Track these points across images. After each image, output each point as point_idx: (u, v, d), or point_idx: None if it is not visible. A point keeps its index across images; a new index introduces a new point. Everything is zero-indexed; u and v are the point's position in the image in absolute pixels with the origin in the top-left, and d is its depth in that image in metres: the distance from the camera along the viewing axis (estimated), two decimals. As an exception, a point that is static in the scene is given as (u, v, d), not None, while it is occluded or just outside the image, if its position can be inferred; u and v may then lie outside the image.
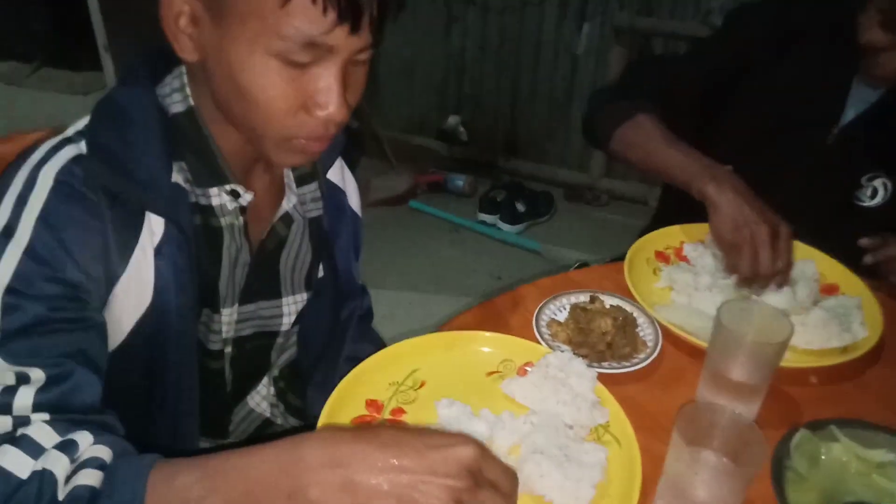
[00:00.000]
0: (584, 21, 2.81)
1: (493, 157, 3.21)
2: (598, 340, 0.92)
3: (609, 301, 0.99)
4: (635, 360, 0.90)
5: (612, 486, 0.74)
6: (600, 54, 2.84)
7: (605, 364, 0.88)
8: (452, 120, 3.25)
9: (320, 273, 0.95)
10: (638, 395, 0.87)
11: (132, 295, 0.72)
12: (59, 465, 0.57)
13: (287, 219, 0.87)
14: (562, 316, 0.98)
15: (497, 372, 0.90)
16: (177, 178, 0.73)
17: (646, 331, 0.96)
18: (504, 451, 0.76)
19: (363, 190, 1.00)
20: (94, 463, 0.58)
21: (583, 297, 1.01)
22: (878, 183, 1.18)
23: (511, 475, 0.60)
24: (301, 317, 0.95)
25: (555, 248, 2.71)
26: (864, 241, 1.11)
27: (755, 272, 0.97)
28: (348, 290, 1.04)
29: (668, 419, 0.81)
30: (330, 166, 0.92)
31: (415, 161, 3.17)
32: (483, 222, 2.87)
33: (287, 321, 0.93)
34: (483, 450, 0.58)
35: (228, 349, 0.88)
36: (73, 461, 0.58)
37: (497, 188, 2.95)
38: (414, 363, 0.88)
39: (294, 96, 0.67)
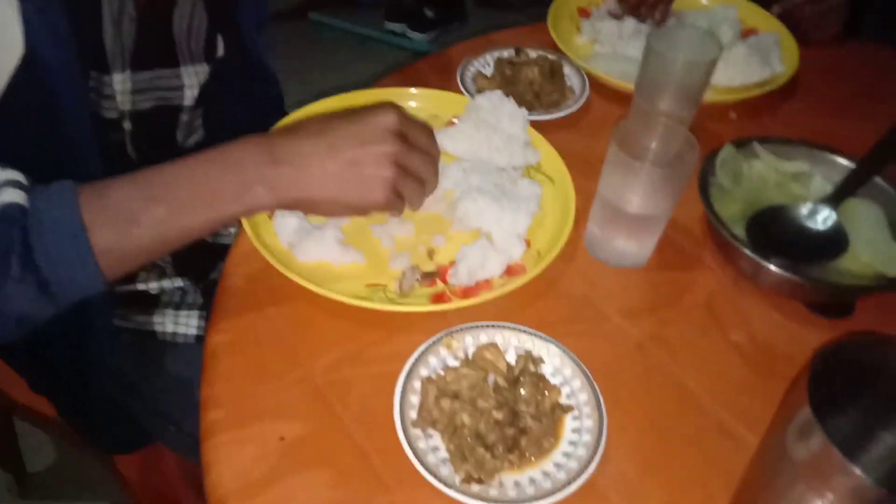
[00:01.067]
0: None
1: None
2: (526, 90, 0.89)
3: (533, 54, 0.95)
4: (564, 107, 0.89)
5: (547, 219, 0.75)
6: None
7: (533, 112, 0.86)
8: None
9: (220, 49, 0.86)
10: (568, 142, 0.85)
11: None
12: None
13: None
14: (488, 71, 0.94)
15: (424, 128, 0.86)
16: None
17: (572, 80, 0.93)
18: (440, 195, 0.75)
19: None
20: (15, 184, 0.53)
21: (507, 52, 0.96)
22: None
23: (431, 134, 0.68)
24: (205, 95, 0.86)
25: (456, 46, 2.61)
26: None
27: None
28: (256, 69, 0.95)
29: (598, 160, 0.81)
30: None
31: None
32: (391, 32, 2.71)
33: (189, 94, 0.85)
34: (402, 112, 0.63)
35: (128, 125, 0.80)
36: None
37: (402, -2, 2.76)
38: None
39: None
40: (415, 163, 0.64)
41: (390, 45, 2.69)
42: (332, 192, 0.61)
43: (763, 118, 0.94)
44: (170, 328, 0.90)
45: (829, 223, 0.72)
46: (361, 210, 0.65)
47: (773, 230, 0.72)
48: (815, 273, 0.69)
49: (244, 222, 0.69)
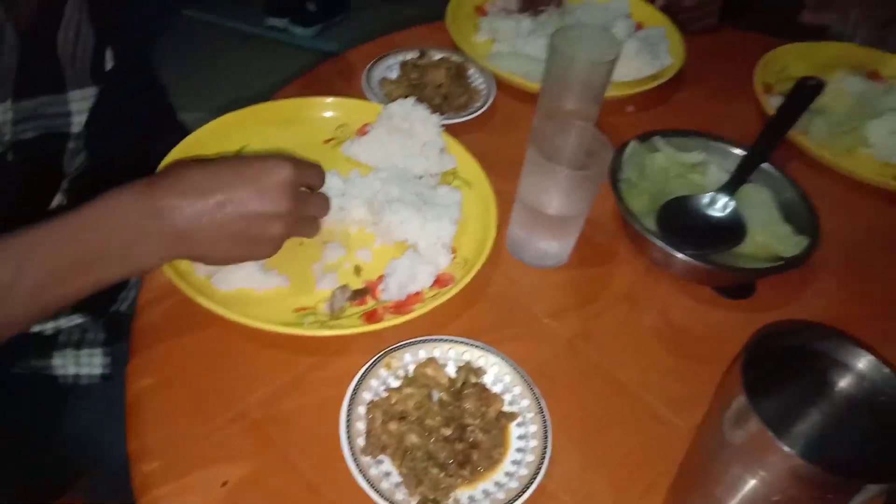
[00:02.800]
0: None
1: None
2: (434, 93, 0.89)
3: (437, 55, 0.95)
4: (472, 109, 0.89)
5: (469, 224, 0.75)
6: None
7: (443, 116, 0.86)
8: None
9: (109, 63, 0.79)
10: (479, 143, 0.86)
11: None
12: None
13: None
14: (393, 74, 0.93)
15: (333, 139, 0.84)
16: None
17: (477, 81, 0.94)
18: (359, 208, 0.73)
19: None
20: None
21: (410, 55, 0.95)
22: None
23: (322, 175, 0.67)
24: (93, 119, 0.80)
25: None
26: None
27: None
28: (146, 84, 0.89)
29: (510, 161, 0.82)
30: None
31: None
32: (273, 27, 2.61)
33: (78, 121, 0.78)
34: (295, 160, 0.61)
35: (11, 156, 0.72)
36: None
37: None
38: (242, 139, 0.79)
39: None
40: (309, 211, 0.65)
41: (273, 42, 2.60)
42: (221, 250, 0.60)
43: (657, 109, 0.99)
44: (72, 370, 0.83)
45: (728, 210, 0.77)
46: (250, 260, 0.64)
47: (680, 220, 0.77)
48: (720, 258, 0.74)
49: None
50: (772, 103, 0.96)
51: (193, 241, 0.57)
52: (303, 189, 0.63)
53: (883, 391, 0.47)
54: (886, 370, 0.47)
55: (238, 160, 0.62)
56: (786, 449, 0.43)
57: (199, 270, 0.66)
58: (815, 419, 0.49)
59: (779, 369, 0.49)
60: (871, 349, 0.48)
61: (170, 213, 0.56)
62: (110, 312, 0.88)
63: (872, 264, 0.81)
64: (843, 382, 0.48)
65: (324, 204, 0.68)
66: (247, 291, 0.66)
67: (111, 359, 0.85)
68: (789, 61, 1.05)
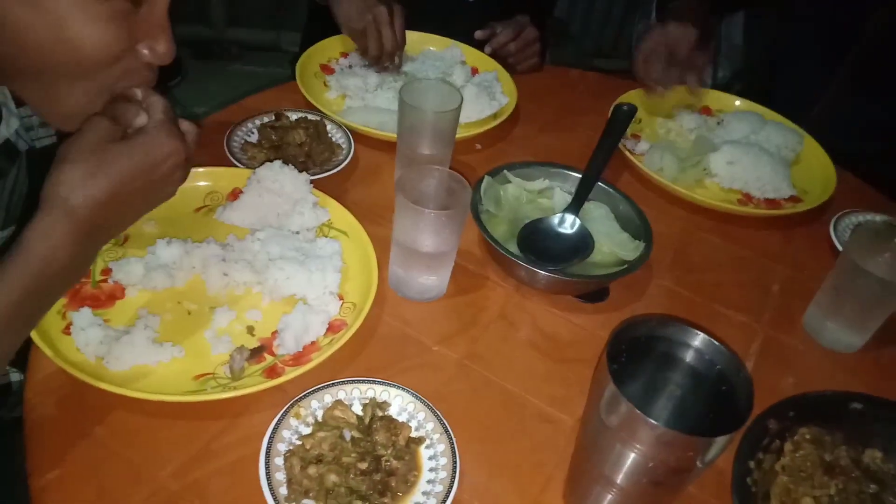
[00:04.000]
0: None
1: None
2: (298, 152, 0.93)
3: (294, 116, 1.00)
4: (336, 163, 0.95)
5: (352, 270, 0.80)
6: None
7: (309, 173, 0.91)
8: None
9: None
10: (347, 194, 0.92)
11: None
12: None
13: (9, 148, 0.70)
14: (253, 138, 0.96)
15: (205, 206, 0.86)
16: None
17: (336, 135, 1.00)
18: (243, 271, 0.76)
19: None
20: None
21: (267, 118, 0.99)
22: None
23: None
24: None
25: (200, 108, 2.53)
26: (478, 34, 1.27)
27: (381, 50, 1.10)
28: None
29: (380, 207, 0.89)
30: None
31: None
32: (106, 96, 2.51)
33: None
34: (185, 140, 0.63)
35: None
36: None
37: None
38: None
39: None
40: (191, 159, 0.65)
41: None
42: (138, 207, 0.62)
43: (500, 144, 1.10)
44: None
45: (576, 226, 0.88)
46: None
47: (537, 241, 0.86)
48: (576, 270, 0.84)
49: (38, 341, 0.63)
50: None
51: (116, 202, 0.58)
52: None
53: (716, 360, 0.57)
54: (716, 343, 0.57)
55: (128, 156, 0.59)
56: (651, 421, 0.51)
57: (90, 355, 0.66)
58: (671, 392, 0.59)
59: (636, 357, 0.58)
60: (704, 329, 0.58)
61: (97, 222, 0.57)
62: None
63: (695, 259, 0.96)
64: (687, 358, 0.59)
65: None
66: (142, 368, 0.66)
67: None
68: (636, 100, 1.16)
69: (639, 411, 0.52)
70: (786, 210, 1.03)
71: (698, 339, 0.58)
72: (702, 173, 1.08)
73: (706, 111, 1.23)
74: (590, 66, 1.38)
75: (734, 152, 1.07)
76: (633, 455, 0.54)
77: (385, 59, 1.12)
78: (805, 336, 0.86)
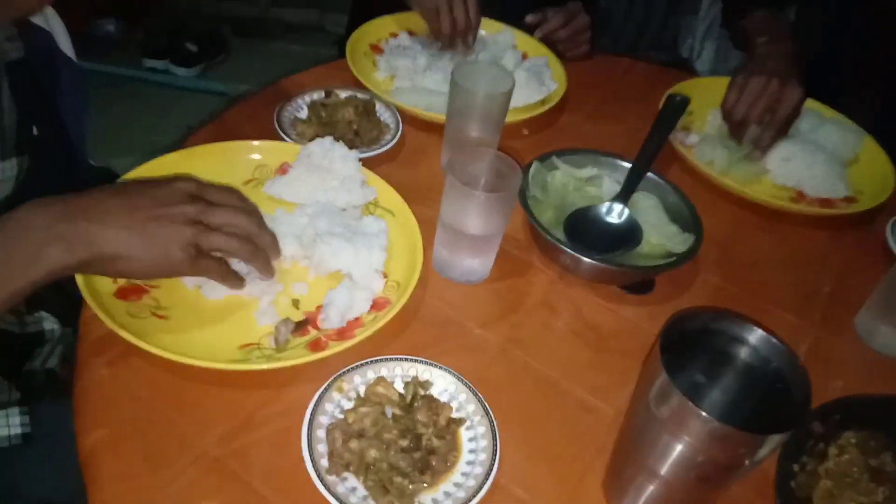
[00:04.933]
0: None
1: (143, -4, 2.80)
2: (346, 130, 0.93)
3: (343, 94, 1.00)
4: (384, 142, 0.94)
5: (396, 249, 0.80)
6: None
7: (357, 151, 0.91)
8: (77, -46, 2.70)
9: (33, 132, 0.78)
10: (393, 173, 0.91)
11: None
12: None
13: None
14: (302, 115, 0.97)
15: (254, 179, 0.86)
16: None
17: (384, 115, 1.00)
18: (290, 244, 0.76)
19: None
20: None
21: (317, 95, 0.99)
22: None
23: (235, 192, 0.69)
24: (24, 189, 0.78)
25: (242, 86, 2.55)
26: (528, 18, 1.26)
27: (454, 29, 1.10)
28: (82, 154, 0.88)
29: (425, 188, 0.89)
30: None
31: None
32: (152, 69, 2.55)
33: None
34: (201, 181, 0.66)
35: None
36: None
37: (157, 31, 2.61)
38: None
39: None
40: (220, 219, 0.65)
41: (153, 83, 2.53)
42: (132, 248, 0.61)
43: (547, 131, 1.09)
44: None
45: (624, 216, 0.87)
46: (166, 270, 0.64)
47: (584, 229, 0.85)
48: (622, 259, 0.83)
49: (90, 302, 0.65)
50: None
51: (105, 239, 0.59)
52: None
53: (772, 358, 0.56)
54: (773, 340, 0.56)
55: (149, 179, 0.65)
56: (704, 415, 0.50)
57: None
58: (724, 387, 0.58)
59: (688, 349, 0.57)
60: (758, 324, 0.57)
61: (79, 210, 0.59)
62: (24, 371, 0.85)
63: (744, 255, 0.94)
64: (741, 354, 0.57)
65: (242, 214, 0.68)
66: (191, 336, 0.67)
67: (28, 417, 0.82)
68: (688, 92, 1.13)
69: (691, 403, 0.51)
70: (840, 210, 1.00)
71: (754, 335, 0.56)
72: (755, 168, 1.05)
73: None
74: (634, 57, 1.35)
75: (790, 148, 1.04)
76: (680, 447, 0.53)
77: (458, 37, 1.12)
78: (857, 339, 0.83)
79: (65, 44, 0.84)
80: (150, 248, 0.61)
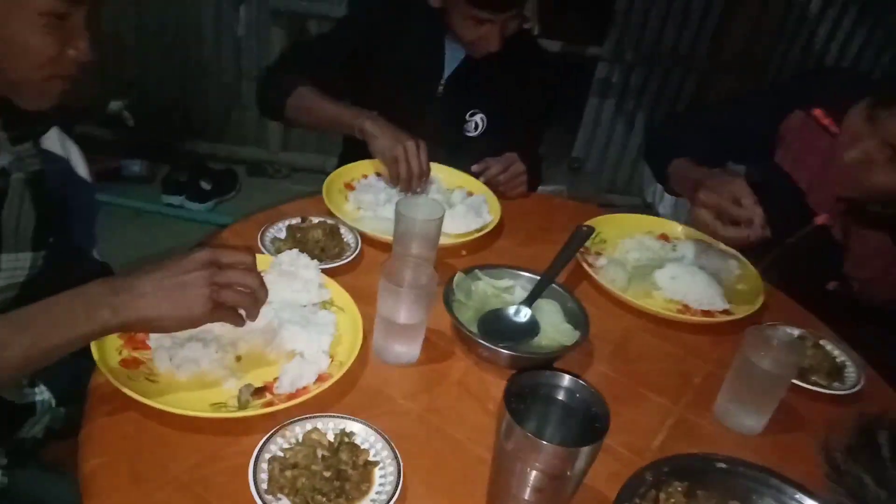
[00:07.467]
0: (241, 4, 2.99)
1: (169, 140, 3.21)
2: (314, 247, 1.19)
3: (315, 220, 1.26)
4: (344, 257, 1.19)
5: (343, 337, 1.02)
6: (261, 35, 3.05)
7: (322, 262, 1.15)
8: (115, 105, 3.13)
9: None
10: (350, 281, 1.15)
11: None
12: None
13: (2, 172, 0.93)
14: (282, 235, 1.22)
15: (238, 283, 1.10)
16: None
17: (347, 237, 1.25)
18: (259, 328, 0.98)
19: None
20: None
21: (294, 220, 1.26)
22: (477, 118, 1.65)
23: (246, 253, 0.86)
24: (37, 276, 1.00)
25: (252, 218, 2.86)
26: (473, 168, 1.54)
27: (409, 174, 1.35)
28: (88, 266, 1.10)
29: (373, 292, 1.12)
30: (44, 132, 0.99)
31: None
32: (170, 205, 2.88)
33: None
34: (214, 250, 0.83)
35: None
36: None
37: (178, 170, 2.98)
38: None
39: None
40: (231, 277, 0.83)
41: (169, 217, 2.85)
42: (162, 309, 0.80)
43: (483, 251, 1.34)
44: None
45: (528, 317, 1.09)
46: (190, 323, 0.83)
47: (495, 325, 1.07)
48: (525, 349, 1.04)
49: (103, 370, 0.86)
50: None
51: (139, 305, 0.77)
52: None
53: (586, 400, 0.77)
54: (589, 388, 0.77)
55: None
56: (529, 435, 0.70)
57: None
58: (554, 423, 0.78)
59: (528, 399, 0.78)
60: (577, 376, 0.78)
61: (121, 286, 0.78)
62: (15, 438, 1.00)
63: (632, 352, 1.15)
64: (566, 399, 0.78)
65: (248, 274, 0.84)
66: (174, 395, 0.88)
67: (7, 479, 0.97)
68: (602, 226, 1.38)
69: (526, 431, 0.71)
70: (717, 319, 1.22)
71: (575, 385, 0.78)
72: (649, 285, 1.29)
73: (663, 238, 1.45)
74: (604, 202, 1.60)
75: (677, 270, 1.28)
76: (528, 469, 0.73)
77: (413, 182, 1.37)
78: (715, 419, 1.02)
79: (81, 169, 1.07)
80: (176, 309, 0.79)
